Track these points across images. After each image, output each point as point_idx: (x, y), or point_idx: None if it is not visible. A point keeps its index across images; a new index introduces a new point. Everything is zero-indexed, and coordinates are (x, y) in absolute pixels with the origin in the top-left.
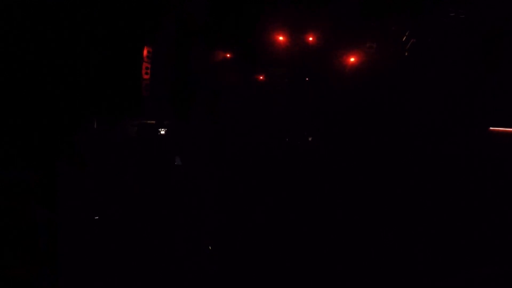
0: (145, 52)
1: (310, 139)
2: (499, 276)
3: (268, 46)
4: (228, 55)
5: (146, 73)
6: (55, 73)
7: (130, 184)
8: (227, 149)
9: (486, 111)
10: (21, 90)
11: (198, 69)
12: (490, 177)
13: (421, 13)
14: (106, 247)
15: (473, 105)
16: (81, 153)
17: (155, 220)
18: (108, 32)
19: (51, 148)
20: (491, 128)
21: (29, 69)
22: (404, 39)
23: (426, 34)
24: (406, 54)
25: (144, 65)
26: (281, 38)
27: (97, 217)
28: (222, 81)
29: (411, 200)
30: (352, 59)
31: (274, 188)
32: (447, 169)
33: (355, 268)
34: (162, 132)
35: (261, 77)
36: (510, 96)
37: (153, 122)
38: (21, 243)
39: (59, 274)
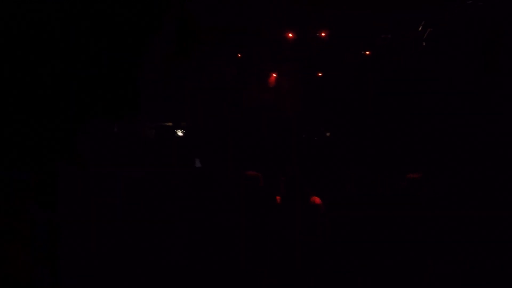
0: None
1: (328, 134)
2: None
3: (279, 42)
4: (239, 55)
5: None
6: (56, 73)
7: (142, 186)
8: (244, 148)
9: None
10: (21, 89)
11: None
12: None
13: (438, 1)
14: (106, 247)
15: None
16: (82, 153)
17: (161, 222)
18: (110, 31)
19: (51, 148)
20: None
21: (29, 68)
22: (420, 29)
23: (443, 23)
24: (424, 44)
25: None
26: (290, 34)
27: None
28: (235, 81)
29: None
30: (367, 52)
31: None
32: (469, 164)
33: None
34: (180, 134)
35: (274, 74)
36: None
37: (170, 124)
38: (21, 243)
39: (59, 274)
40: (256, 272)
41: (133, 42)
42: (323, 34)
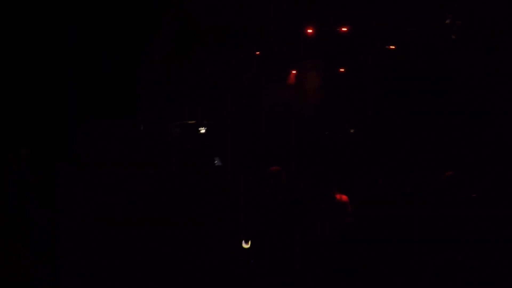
0: None
1: (352, 131)
2: None
3: (299, 39)
4: (257, 53)
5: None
6: (56, 73)
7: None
8: (265, 147)
9: None
10: (22, 89)
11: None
12: None
13: None
14: (106, 247)
15: None
16: (82, 153)
17: (164, 222)
18: (110, 31)
19: (52, 148)
20: None
21: (30, 68)
22: (448, 21)
23: (472, 15)
24: (453, 37)
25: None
26: (309, 30)
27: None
28: (255, 79)
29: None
30: (391, 46)
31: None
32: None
33: None
34: (202, 131)
35: (293, 71)
36: None
37: (194, 122)
38: (21, 243)
39: (59, 274)
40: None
41: (133, 42)
42: (344, 29)
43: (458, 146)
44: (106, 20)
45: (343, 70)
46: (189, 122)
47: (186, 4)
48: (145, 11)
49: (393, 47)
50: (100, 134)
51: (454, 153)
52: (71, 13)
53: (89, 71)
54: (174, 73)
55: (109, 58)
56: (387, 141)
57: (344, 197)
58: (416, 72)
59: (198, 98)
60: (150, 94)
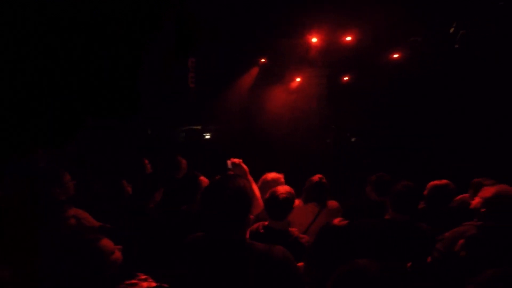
0: (189, 63)
1: (353, 139)
2: None
3: (302, 47)
4: (263, 60)
5: (192, 82)
6: (56, 74)
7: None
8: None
9: None
10: (26, 90)
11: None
12: None
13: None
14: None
15: None
16: (83, 153)
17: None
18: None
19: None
20: None
21: (31, 68)
22: (452, 30)
23: (477, 24)
24: (456, 46)
25: (190, 74)
26: (314, 39)
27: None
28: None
29: None
30: (395, 55)
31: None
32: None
33: None
34: (208, 137)
35: (297, 79)
36: None
37: (199, 127)
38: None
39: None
40: None
41: (133, 42)
42: (348, 38)
43: (460, 155)
44: (106, 20)
45: (347, 78)
46: (195, 127)
47: (186, 4)
48: (145, 11)
49: (397, 55)
50: (106, 136)
51: (457, 162)
52: (71, 14)
53: (90, 72)
54: (176, 77)
55: (109, 59)
56: (388, 149)
57: (335, 203)
58: (419, 81)
59: (202, 103)
60: (154, 97)
